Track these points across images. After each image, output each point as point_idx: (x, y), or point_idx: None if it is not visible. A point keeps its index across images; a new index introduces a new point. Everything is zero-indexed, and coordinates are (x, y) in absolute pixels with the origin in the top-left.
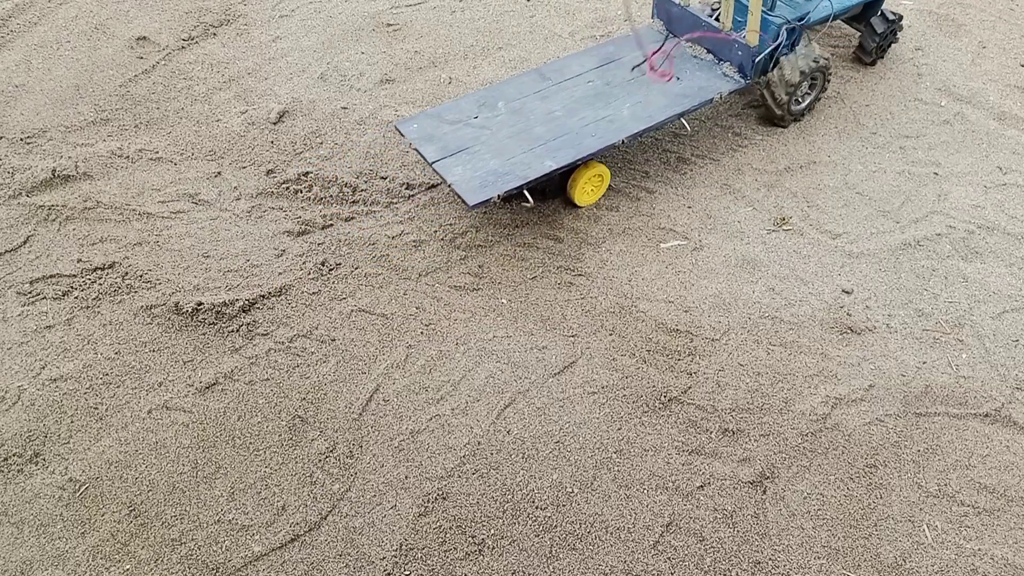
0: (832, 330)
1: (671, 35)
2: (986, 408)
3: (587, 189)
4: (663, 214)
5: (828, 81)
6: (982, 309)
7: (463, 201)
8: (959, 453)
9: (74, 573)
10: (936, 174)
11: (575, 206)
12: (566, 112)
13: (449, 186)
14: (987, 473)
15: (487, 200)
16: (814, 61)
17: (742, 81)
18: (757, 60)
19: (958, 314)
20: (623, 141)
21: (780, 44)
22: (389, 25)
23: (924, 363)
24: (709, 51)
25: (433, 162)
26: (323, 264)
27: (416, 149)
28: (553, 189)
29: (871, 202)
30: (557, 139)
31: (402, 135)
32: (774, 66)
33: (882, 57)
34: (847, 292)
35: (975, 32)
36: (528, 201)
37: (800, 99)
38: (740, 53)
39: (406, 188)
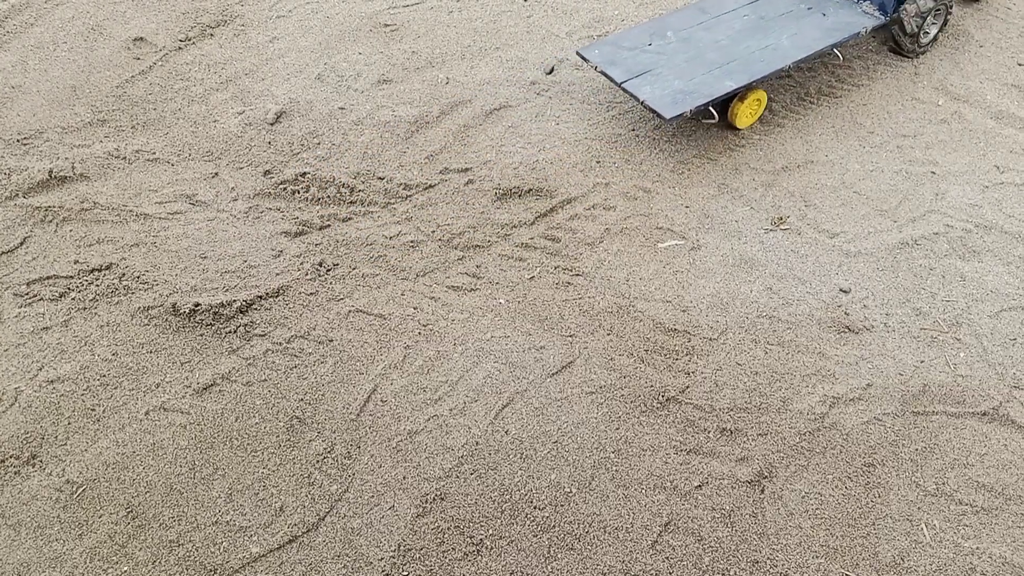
0: (830, 329)
1: None
2: (984, 407)
3: (748, 112)
4: (660, 214)
5: (951, 12)
6: (980, 308)
7: (659, 115)
8: (957, 452)
9: (72, 574)
10: (933, 173)
11: (735, 128)
12: (731, 41)
13: (642, 102)
14: (985, 472)
15: (681, 114)
16: None
17: (883, 18)
18: None
19: (956, 313)
20: (789, 66)
21: None
22: (386, 25)
23: (922, 362)
24: None
25: (622, 82)
26: (320, 264)
27: (603, 72)
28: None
29: (868, 201)
30: (729, 63)
31: (586, 60)
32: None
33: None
34: (844, 291)
35: (972, 31)
36: (713, 117)
37: (927, 30)
38: None
39: (403, 188)
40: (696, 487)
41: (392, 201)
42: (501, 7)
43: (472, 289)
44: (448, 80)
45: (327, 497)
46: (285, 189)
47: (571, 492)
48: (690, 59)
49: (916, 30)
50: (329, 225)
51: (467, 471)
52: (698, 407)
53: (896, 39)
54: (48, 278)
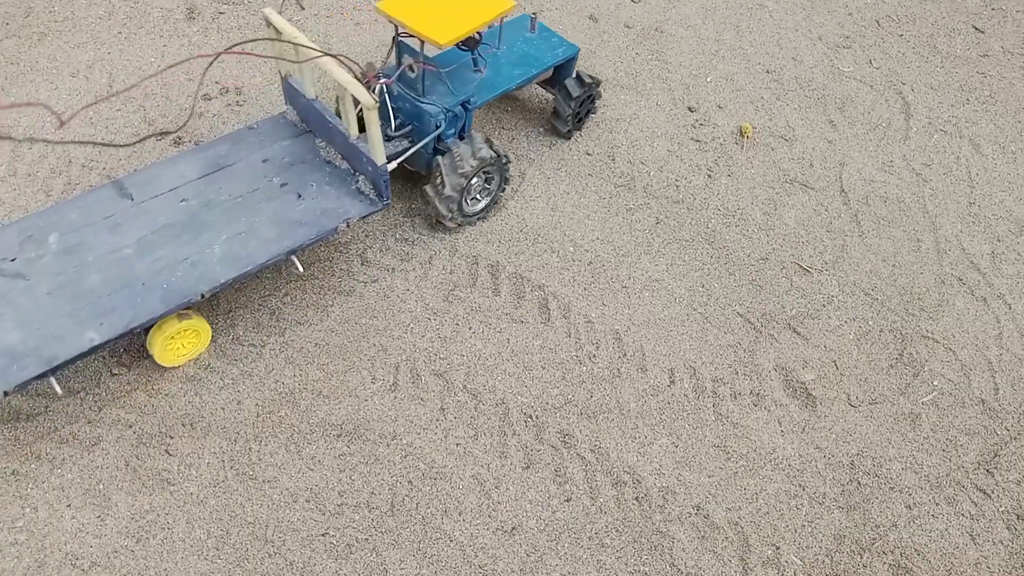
0: None
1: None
2: None
3: (173, 348)
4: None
5: (508, 176)
6: None
7: None
8: None
9: None
10: None
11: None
12: (139, 249)
13: None
14: None
15: None
16: (477, 159)
17: (378, 204)
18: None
19: None
20: (203, 295)
21: (442, 134)
22: None
23: None
24: (344, 157)
25: None
26: None
27: None
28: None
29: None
30: (114, 293)
31: None
32: (437, 163)
33: (579, 128)
34: None
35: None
36: (57, 391)
37: (471, 201)
38: (370, 168)
39: None
40: None
41: None
42: None
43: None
44: None
45: None
46: None
47: None
48: (57, 288)
49: (454, 200)
50: None
51: None
52: None
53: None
54: None
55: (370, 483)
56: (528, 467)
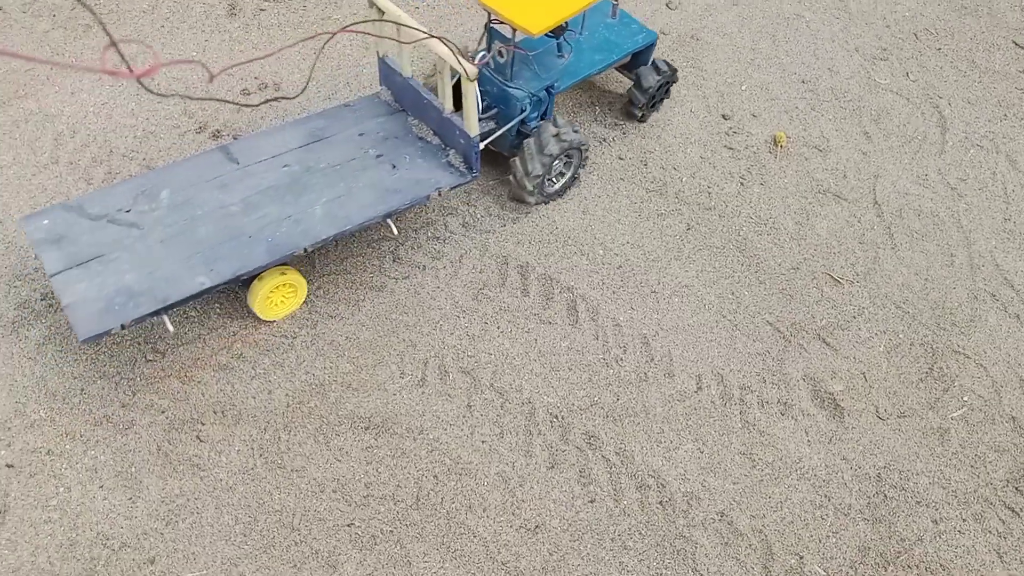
0: None
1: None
2: None
3: (273, 301)
4: None
5: (586, 158)
6: None
7: (74, 333)
8: None
9: None
10: None
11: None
12: (245, 207)
13: (62, 310)
14: None
15: (104, 334)
16: (565, 141)
17: (467, 176)
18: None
19: None
20: (306, 248)
21: (526, 118)
22: None
23: None
24: (435, 133)
25: (52, 275)
26: None
27: (37, 255)
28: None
29: None
30: (223, 244)
31: (26, 235)
32: (522, 141)
33: (656, 110)
34: None
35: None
36: (168, 328)
37: (554, 179)
38: (462, 141)
39: None
40: None
41: None
42: None
43: None
44: None
45: None
46: None
47: None
48: (170, 237)
49: (537, 178)
50: None
51: None
52: None
53: (512, 184)
54: None
55: (396, 476)
56: (553, 467)
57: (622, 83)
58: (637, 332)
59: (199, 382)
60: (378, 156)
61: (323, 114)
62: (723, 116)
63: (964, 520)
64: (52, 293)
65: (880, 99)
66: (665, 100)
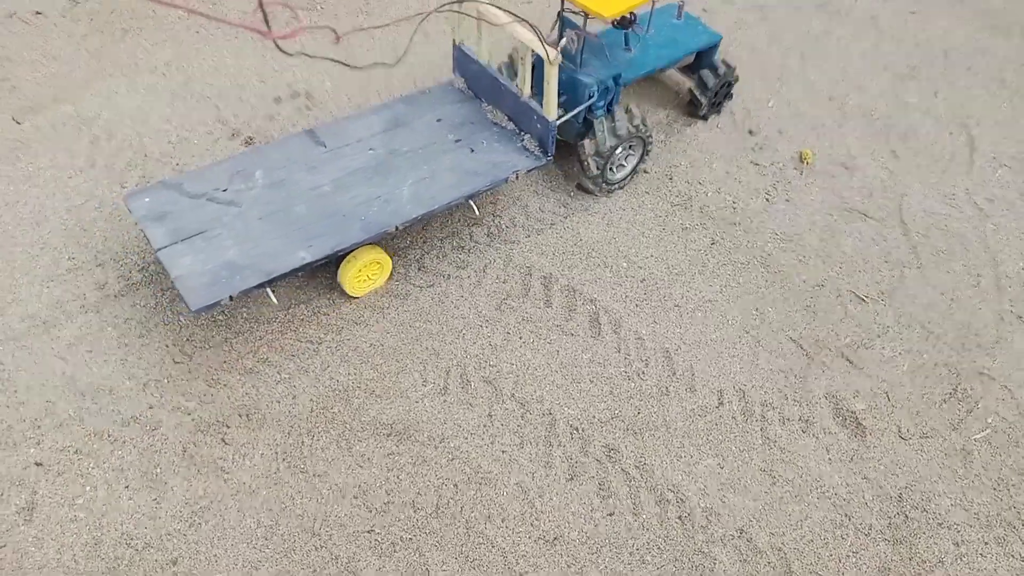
0: None
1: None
2: None
3: (360, 277)
4: None
5: (649, 148)
6: None
7: (185, 304)
8: None
9: None
10: None
11: (350, 297)
12: (336, 188)
13: (171, 282)
14: None
15: (214, 305)
16: (632, 126)
17: (542, 159)
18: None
19: None
20: (397, 227)
21: (592, 105)
22: None
23: None
24: (510, 118)
25: (159, 249)
26: None
27: (143, 231)
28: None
29: None
30: (319, 222)
31: (130, 211)
32: (587, 130)
33: (717, 112)
34: None
35: None
36: (273, 301)
37: (616, 168)
38: (539, 125)
39: None
40: None
41: None
42: None
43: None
44: None
45: None
46: None
47: None
48: (268, 214)
49: (599, 167)
50: None
51: None
52: None
53: (579, 172)
54: None
55: (416, 484)
56: (572, 479)
57: (655, 97)
58: (659, 346)
59: (225, 385)
60: (456, 140)
61: (401, 100)
62: (749, 132)
63: (986, 543)
64: (84, 295)
65: (908, 118)
66: (727, 101)
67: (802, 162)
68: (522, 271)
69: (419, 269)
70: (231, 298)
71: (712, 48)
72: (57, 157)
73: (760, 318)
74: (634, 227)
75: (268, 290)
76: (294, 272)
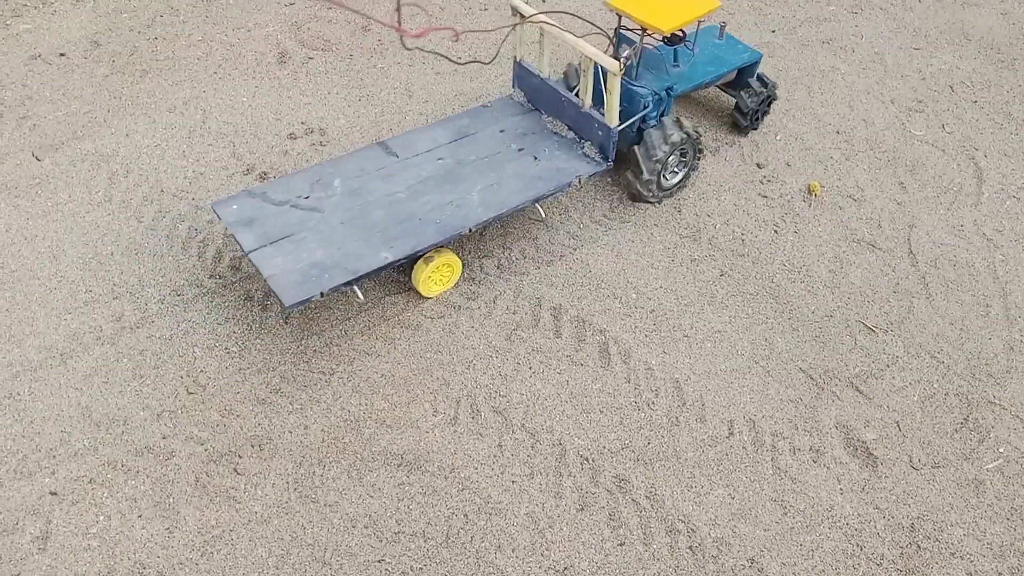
0: None
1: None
2: None
3: (434, 279)
4: None
5: (700, 155)
6: None
7: (279, 300)
8: None
9: None
10: None
11: (423, 297)
12: (410, 194)
13: (265, 281)
14: None
15: (307, 300)
16: (684, 133)
17: (603, 164)
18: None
19: None
20: (471, 229)
21: (646, 115)
22: None
23: None
24: (570, 128)
25: (250, 251)
26: None
27: (233, 235)
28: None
29: None
30: (398, 225)
31: (219, 218)
32: (640, 139)
33: (756, 127)
34: None
35: None
36: (359, 297)
37: (668, 175)
38: (600, 133)
39: None
40: None
41: None
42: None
43: None
44: None
45: None
46: None
47: None
48: (349, 219)
49: (654, 175)
50: None
51: None
52: None
53: (630, 181)
54: None
55: (427, 513)
56: (583, 509)
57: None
58: (669, 376)
59: (238, 415)
60: (519, 149)
61: (465, 114)
62: (757, 165)
63: (1000, 574)
64: (100, 327)
65: (915, 150)
66: (767, 116)
67: (810, 194)
68: (532, 302)
69: (430, 300)
70: (322, 294)
71: (753, 65)
72: (75, 193)
73: (769, 348)
74: (643, 259)
75: (355, 287)
76: (379, 271)
